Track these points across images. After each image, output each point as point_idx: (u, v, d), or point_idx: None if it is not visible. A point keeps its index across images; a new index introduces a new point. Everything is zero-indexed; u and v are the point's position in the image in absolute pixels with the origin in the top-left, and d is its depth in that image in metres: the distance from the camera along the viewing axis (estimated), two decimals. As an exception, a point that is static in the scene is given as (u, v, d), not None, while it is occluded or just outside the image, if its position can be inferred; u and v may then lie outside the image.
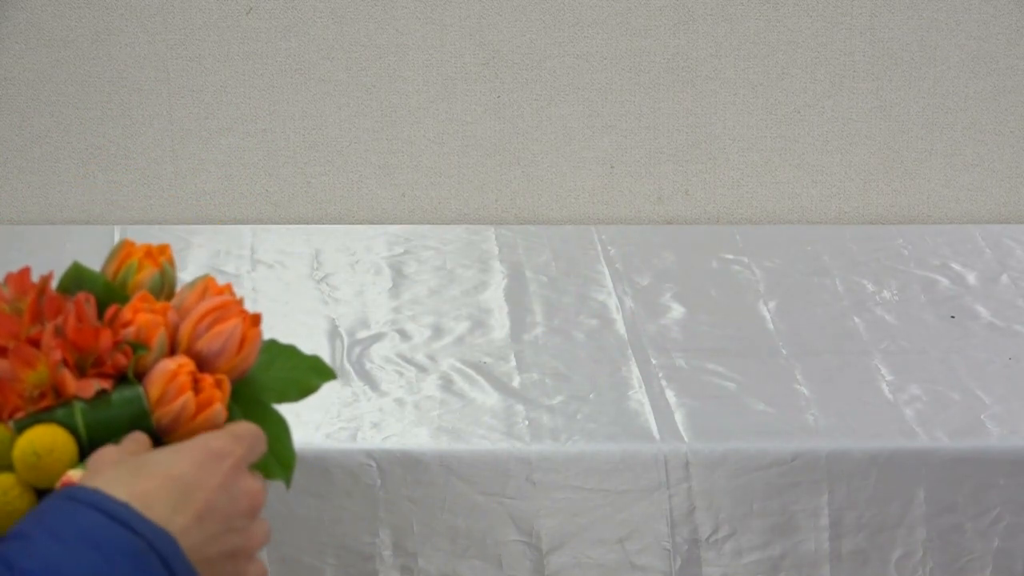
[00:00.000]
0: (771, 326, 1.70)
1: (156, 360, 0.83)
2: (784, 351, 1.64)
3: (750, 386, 1.56)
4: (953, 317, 1.73)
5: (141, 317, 0.84)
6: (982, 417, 1.51)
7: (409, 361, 1.60)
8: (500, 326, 1.68)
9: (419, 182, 1.99)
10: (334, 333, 1.65)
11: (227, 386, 0.84)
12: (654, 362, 1.61)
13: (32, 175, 1.95)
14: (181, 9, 1.91)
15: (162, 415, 0.82)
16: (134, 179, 1.95)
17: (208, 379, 0.83)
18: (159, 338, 0.84)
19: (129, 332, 0.83)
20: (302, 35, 1.93)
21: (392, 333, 1.66)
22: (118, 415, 0.80)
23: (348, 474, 1.42)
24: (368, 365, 1.58)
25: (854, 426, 1.49)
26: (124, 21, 1.91)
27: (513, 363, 1.59)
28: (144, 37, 1.92)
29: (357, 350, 1.61)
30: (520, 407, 1.50)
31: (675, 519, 1.44)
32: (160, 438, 0.81)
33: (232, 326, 0.85)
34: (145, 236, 1.93)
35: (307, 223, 1.96)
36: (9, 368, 0.79)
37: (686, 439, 1.45)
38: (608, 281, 1.80)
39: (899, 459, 1.45)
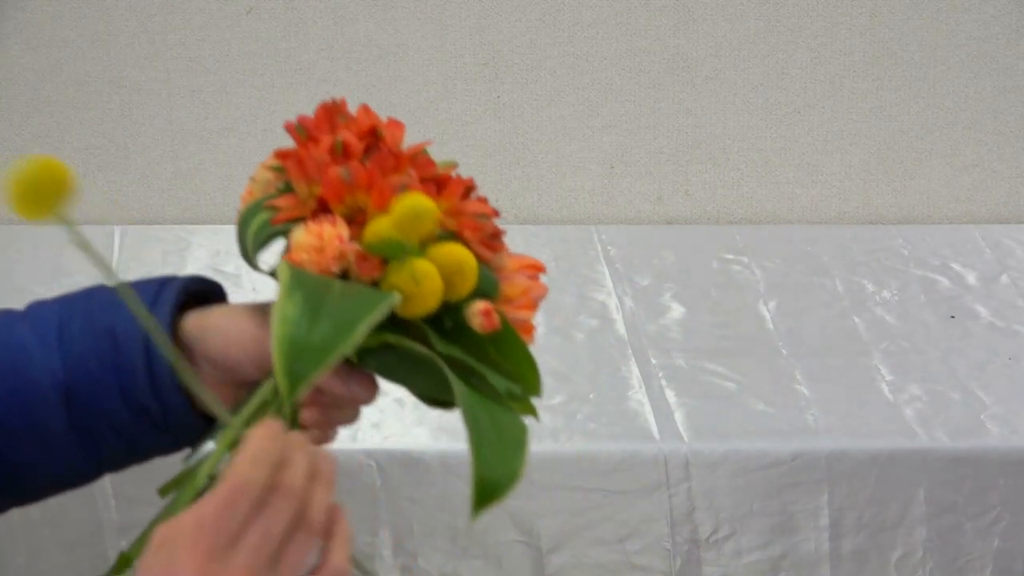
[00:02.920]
0: (771, 326, 1.70)
1: (498, 265, 0.91)
2: (784, 351, 1.64)
3: (750, 386, 1.56)
4: (953, 317, 1.73)
5: (492, 213, 0.91)
6: (982, 417, 1.51)
7: (409, 361, 1.60)
8: (500, 326, 1.68)
9: (419, 182, 1.99)
10: (334, 333, 1.66)
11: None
12: (654, 362, 1.61)
13: (32, 175, 1.95)
14: (181, 9, 1.91)
15: (507, 310, 0.90)
16: (134, 179, 1.95)
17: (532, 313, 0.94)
18: (505, 248, 0.92)
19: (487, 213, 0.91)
20: (302, 35, 1.93)
21: (392, 333, 1.66)
22: (479, 284, 0.86)
23: (348, 474, 1.42)
24: (368, 365, 1.58)
25: (854, 426, 1.49)
26: (124, 21, 1.91)
27: (513, 363, 1.59)
28: (144, 37, 1.92)
29: (357, 350, 1.62)
30: (520, 407, 1.50)
31: (675, 519, 1.44)
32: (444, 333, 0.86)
33: (543, 291, 0.95)
34: (145, 236, 1.94)
35: (307, 223, 1.96)
36: (431, 186, 0.87)
37: (686, 439, 1.45)
38: (608, 281, 1.80)
39: (899, 459, 1.45)
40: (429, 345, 0.83)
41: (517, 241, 2.05)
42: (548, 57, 1.96)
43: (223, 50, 1.91)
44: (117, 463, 0.90)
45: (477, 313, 0.85)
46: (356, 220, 0.84)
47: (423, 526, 1.43)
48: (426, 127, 1.97)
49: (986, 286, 1.81)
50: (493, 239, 0.90)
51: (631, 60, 1.96)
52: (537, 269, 0.93)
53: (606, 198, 2.02)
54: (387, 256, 0.82)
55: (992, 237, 1.95)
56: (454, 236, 0.86)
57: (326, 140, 0.87)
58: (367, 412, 1.55)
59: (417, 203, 0.81)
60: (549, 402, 1.51)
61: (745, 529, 1.44)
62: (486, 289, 0.87)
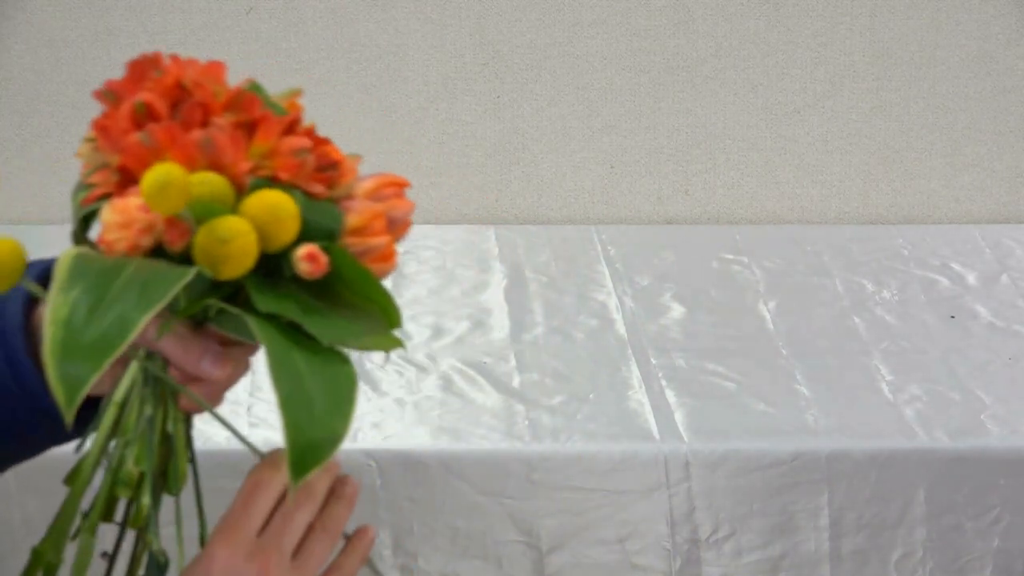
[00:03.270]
0: (771, 326, 1.70)
1: (346, 195, 0.84)
2: (784, 351, 1.64)
3: (750, 386, 1.56)
4: (953, 317, 1.73)
5: (332, 149, 0.85)
6: (982, 417, 1.51)
7: (409, 361, 1.60)
8: (500, 326, 1.68)
9: (419, 182, 1.98)
10: (334, 333, 1.65)
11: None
12: (654, 362, 1.61)
13: (32, 175, 1.95)
14: (181, 9, 1.91)
15: (354, 244, 0.83)
16: (134, 179, 1.95)
17: (391, 237, 0.85)
18: (351, 180, 0.85)
19: (327, 155, 0.84)
20: (302, 35, 1.93)
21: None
22: (318, 222, 0.81)
23: (348, 474, 1.42)
24: (368, 365, 1.58)
25: (854, 426, 1.49)
26: (124, 21, 1.91)
27: (513, 363, 1.59)
28: (144, 37, 1.92)
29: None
30: (520, 407, 1.50)
31: (675, 519, 1.44)
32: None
33: (409, 207, 0.86)
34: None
35: (307, 223, 1.96)
36: (237, 132, 0.80)
37: (686, 439, 1.45)
38: (608, 281, 1.80)
39: (899, 459, 1.45)
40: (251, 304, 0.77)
41: (517, 241, 2.06)
42: (548, 57, 1.96)
43: (223, 50, 1.91)
44: (11, 457, 0.89)
45: (301, 259, 0.78)
46: None
47: (423, 526, 1.43)
48: (426, 127, 1.97)
49: (986, 286, 1.81)
50: (326, 171, 0.83)
51: (631, 60, 1.96)
52: (398, 185, 0.86)
53: (606, 198, 2.02)
54: (195, 218, 0.76)
55: (992, 237, 1.95)
56: (272, 181, 0.80)
57: (127, 104, 0.80)
58: (368, 412, 1.56)
59: (161, 175, 0.74)
60: (549, 402, 1.51)
61: (745, 529, 1.44)
62: (328, 227, 0.81)
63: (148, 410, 0.82)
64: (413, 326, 1.68)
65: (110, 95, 0.82)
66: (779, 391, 1.55)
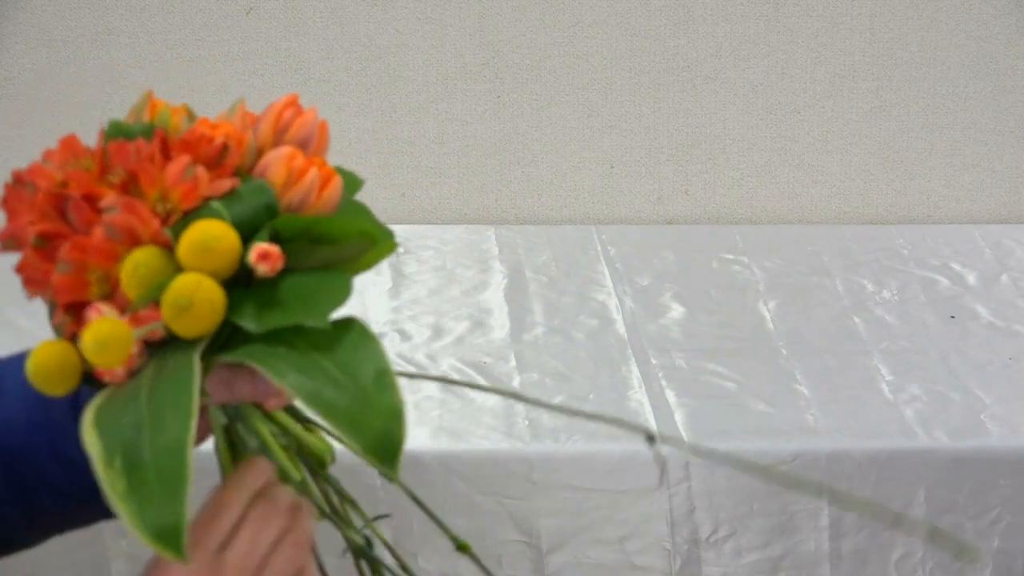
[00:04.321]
0: (771, 326, 1.70)
1: (254, 160, 0.83)
2: (784, 351, 1.64)
3: (750, 386, 1.56)
4: (953, 317, 1.73)
5: (222, 129, 0.82)
6: (982, 417, 1.51)
7: (409, 361, 1.60)
8: (500, 326, 1.68)
9: (419, 182, 1.99)
10: (334, 333, 1.65)
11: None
12: (654, 362, 1.61)
13: (32, 175, 1.95)
14: (181, 9, 1.91)
15: (292, 196, 0.81)
16: (134, 179, 1.95)
17: (317, 159, 0.83)
18: (249, 140, 0.83)
19: (220, 138, 0.81)
20: (302, 35, 1.93)
21: (392, 333, 1.66)
22: (253, 205, 0.79)
23: (348, 474, 1.42)
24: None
25: (854, 426, 1.49)
26: (124, 21, 1.91)
27: (513, 363, 1.59)
28: (144, 37, 1.92)
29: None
30: (520, 407, 1.50)
31: (675, 519, 1.44)
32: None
33: (312, 114, 0.85)
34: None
35: (307, 223, 1.96)
36: (127, 198, 0.78)
37: (686, 439, 1.45)
38: (608, 281, 1.80)
39: (899, 459, 1.45)
40: (245, 335, 0.76)
41: (517, 241, 2.05)
42: (548, 57, 1.96)
43: (223, 50, 1.91)
44: (57, 526, 0.91)
45: (255, 265, 0.77)
46: (113, 286, 0.77)
47: (423, 526, 1.43)
48: (426, 127, 1.97)
49: (986, 286, 1.81)
50: (222, 160, 0.81)
51: (631, 60, 1.96)
52: (288, 106, 0.85)
53: (606, 198, 2.02)
54: (150, 301, 0.76)
55: (992, 237, 1.95)
56: (187, 215, 0.78)
57: (27, 251, 0.78)
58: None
59: (97, 335, 0.73)
60: (549, 402, 1.51)
61: (745, 529, 1.44)
62: (263, 204, 0.79)
63: (262, 428, 0.83)
64: (413, 326, 1.68)
65: (11, 242, 0.80)
66: (779, 391, 1.55)
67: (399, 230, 1.92)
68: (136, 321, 0.76)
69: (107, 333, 0.73)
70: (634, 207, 2.02)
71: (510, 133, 1.98)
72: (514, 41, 1.95)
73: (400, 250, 1.87)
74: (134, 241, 0.77)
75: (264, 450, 0.84)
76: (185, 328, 0.75)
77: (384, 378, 0.75)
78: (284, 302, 0.77)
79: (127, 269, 0.76)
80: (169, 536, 0.70)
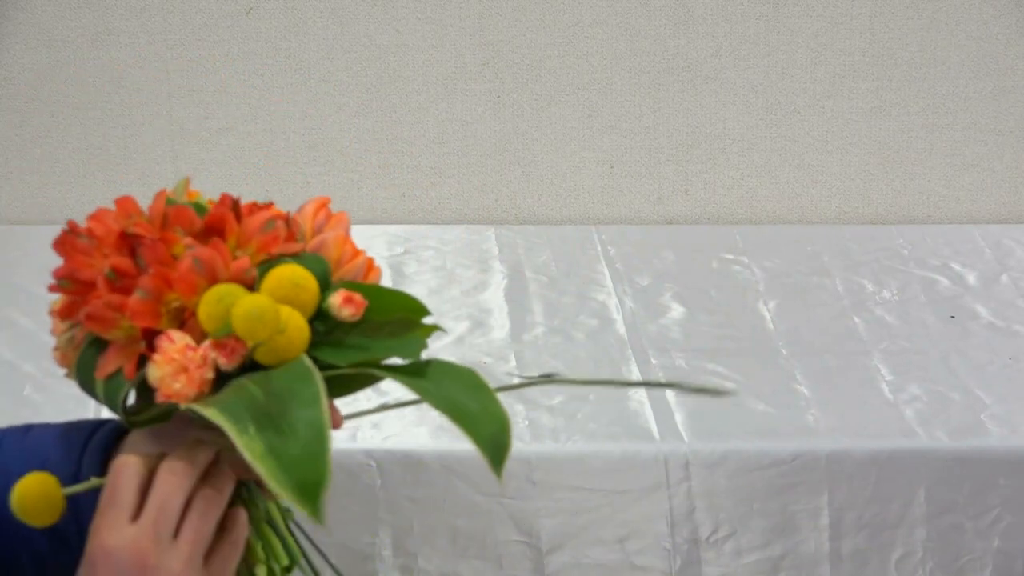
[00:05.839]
0: (771, 326, 1.70)
1: (308, 239, 0.89)
2: (784, 351, 1.64)
3: (750, 386, 1.56)
4: (953, 317, 1.73)
5: (268, 211, 0.88)
6: (982, 417, 1.51)
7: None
8: (500, 326, 1.68)
9: (419, 182, 1.99)
10: (334, 333, 1.65)
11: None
12: (654, 362, 1.61)
13: (32, 175, 1.95)
14: (181, 9, 1.91)
15: (343, 273, 0.88)
16: (134, 179, 1.95)
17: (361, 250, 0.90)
18: (300, 225, 0.90)
19: (270, 218, 0.88)
20: (302, 35, 1.93)
21: (392, 333, 1.66)
22: (314, 270, 0.84)
23: (348, 474, 1.42)
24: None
25: (854, 426, 1.49)
26: (124, 21, 1.91)
27: (513, 363, 1.59)
28: (144, 37, 1.92)
29: (357, 350, 1.61)
30: (520, 407, 1.50)
31: (675, 519, 1.44)
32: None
33: (345, 219, 0.91)
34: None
35: (307, 223, 1.96)
36: (212, 247, 0.83)
37: (686, 439, 1.45)
38: (608, 281, 1.80)
39: (899, 459, 1.45)
40: (332, 364, 0.83)
41: (517, 241, 2.06)
42: (548, 57, 1.96)
43: (223, 50, 1.91)
44: None
45: (341, 307, 0.83)
46: (185, 319, 0.81)
47: (423, 526, 1.43)
48: (426, 127, 1.97)
49: (986, 286, 1.81)
50: (288, 231, 0.87)
51: (631, 60, 1.96)
52: (322, 206, 0.91)
53: (606, 198, 2.02)
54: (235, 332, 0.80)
55: (992, 237, 1.95)
56: (268, 262, 0.84)
57: (100, 283, 0.82)
58: (367, 412, 1.54)
59: (251, 307, 0.78)
60: (549, 402, 1.51)
61: (745, 529, 1.44)
62: (321, 273, 0.85)
63: (264, 506, 0.88)
64: (413, 326, 1.68)
65: (65, 282, 0.84)
66: (779, 391, 1.55)
67: (399, 230, 1.93)
68: (218, 347, 0.80)
69: (260, 306, 0.78)
70: (634, 207, 2.02)
71: (510, 133, 1.98)
72: (514, 41, 1.95)
73: (400, 250, 1.87)
74: (213, 279, 0.82)
75: (258, 528, 0.88)
76: (270, 353, 0.80)
77: (476, 378, 0.87)
78: (363, 345, 0.85)
79: (210, 299, 0.80)
80: (310, 492, 0.75)
